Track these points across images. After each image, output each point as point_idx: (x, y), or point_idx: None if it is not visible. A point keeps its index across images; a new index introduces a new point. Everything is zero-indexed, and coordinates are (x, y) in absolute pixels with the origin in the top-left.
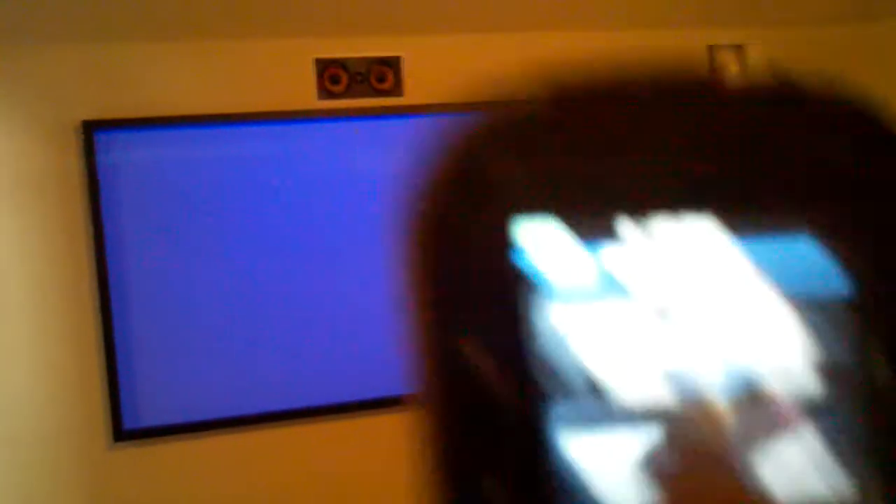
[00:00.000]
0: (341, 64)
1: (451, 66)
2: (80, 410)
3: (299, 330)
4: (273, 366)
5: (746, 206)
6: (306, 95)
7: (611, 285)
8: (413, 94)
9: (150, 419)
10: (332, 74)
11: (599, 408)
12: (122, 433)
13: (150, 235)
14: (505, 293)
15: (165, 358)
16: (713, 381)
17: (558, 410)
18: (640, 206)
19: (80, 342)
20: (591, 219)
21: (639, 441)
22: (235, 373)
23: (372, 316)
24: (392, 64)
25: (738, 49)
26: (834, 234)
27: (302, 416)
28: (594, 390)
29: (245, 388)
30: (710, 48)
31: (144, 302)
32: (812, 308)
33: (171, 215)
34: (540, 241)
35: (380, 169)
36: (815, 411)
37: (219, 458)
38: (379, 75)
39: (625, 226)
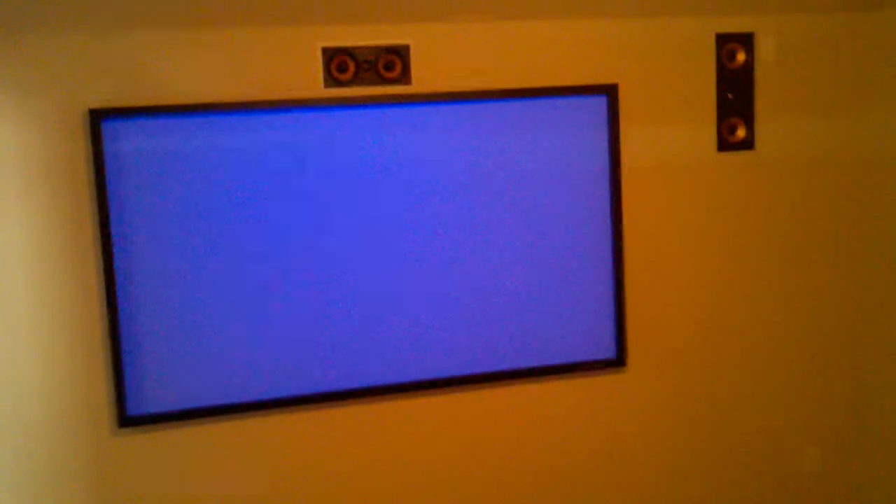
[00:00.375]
0: (349, 52)
1: (459, 54)
2: (84, 396)
3: (305, 317)
4: (278, 353)
5: None
6: (313, 84)
7: None
8: (421, 82)
9: (154, 406)
10: (339, 63)
11: None
12: (126, 419)
13: (156, 223)
14: None
15: (170, 345)
16: None
17: None
18: None
19: (86, 329)
20: None
21: None
22: (239, 360)
23: (379, 301)
24: (400, 52)
25: (747, 37)
26: None
27: (306, 402)
28: None
29: (248, 375)
30: (719, 36)
31: (150, 289)
32: None
33: (178, 203)
34: None
35: (387, 157)
36: None
37: (222, 445)
38: (387, 63)
39: None
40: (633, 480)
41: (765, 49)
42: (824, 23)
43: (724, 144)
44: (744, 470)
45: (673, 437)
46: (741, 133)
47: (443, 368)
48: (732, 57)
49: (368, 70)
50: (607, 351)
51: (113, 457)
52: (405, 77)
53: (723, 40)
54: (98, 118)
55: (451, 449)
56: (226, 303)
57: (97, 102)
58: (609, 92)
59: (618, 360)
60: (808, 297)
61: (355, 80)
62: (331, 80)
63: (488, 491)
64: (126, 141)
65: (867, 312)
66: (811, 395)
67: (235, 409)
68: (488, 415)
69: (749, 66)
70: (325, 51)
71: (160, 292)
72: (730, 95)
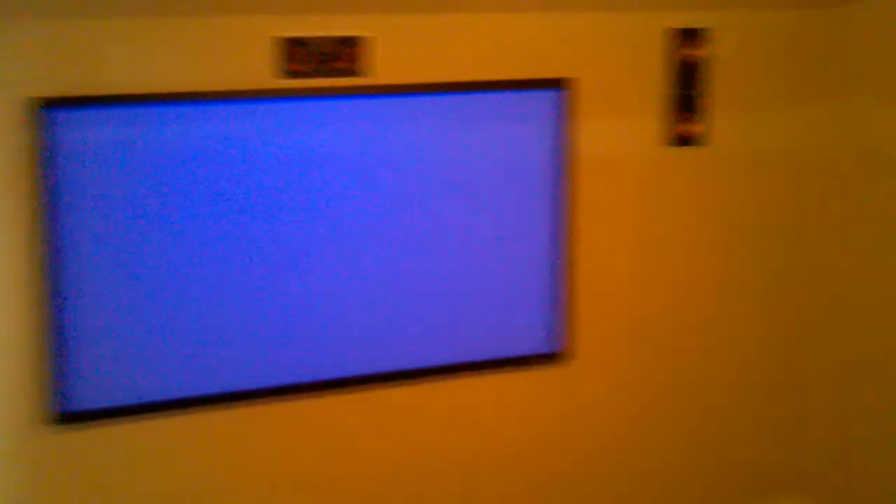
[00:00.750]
0: (304, 43)
1: (416, 47)
2: (18, 391)
3: (250, 310)
4: (222, 347)
5: None
6: (267, 75)
7: None
8: (375, 74)
9: (92, 401)
10: (295, 54)
11: None
12: (60, 416)
13: (102, 213)
14: None
15: (111, 338)
16: None
17: None
18: None
19: (23, 320)
20: None
21: None
22: (183, 354)
23: (332, 296)
24: (355, 44)
25: (702, 33)
26: None
27: (251, 397)
28: None
29: (191, 370)
30: (672, 32)
31: (94, 281)
32: None
33: (125, 194)
34: None
35: (343, 150)
36: None
37: (164, 443)
38: (341, 55)
39: None
40: (584, 474)
41: (720, 45)
42: (780, 19)
43: (678, 140)
44: (696, 460)
45: (620, 430)
46: (695, 129)
47: (390, 362)
48: (688, 52)
49: (323, 61)
50: (555, 344)
51: (45, 456)
52: (360, 69)
53: (678, 35)
54: (46, 107)
55: (396, 446)
56: (172, 296)
57: (45, 91)
58: (565, 86)
59: (564, 354)
60: (760, 290)
61: (311, 72)
62: (285, 71)
63: (431, 489)
64: (73, 131)
65: (821, 305)
66: (767, 388)
67: (178, 405)
68: (433, 410)
69: (704, 62)
70: (279, 41)
71: (105, 285)
72: (684, 91)
